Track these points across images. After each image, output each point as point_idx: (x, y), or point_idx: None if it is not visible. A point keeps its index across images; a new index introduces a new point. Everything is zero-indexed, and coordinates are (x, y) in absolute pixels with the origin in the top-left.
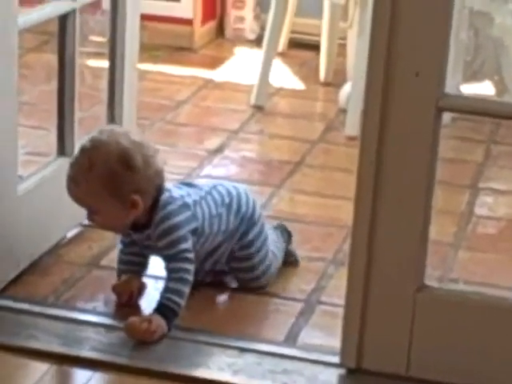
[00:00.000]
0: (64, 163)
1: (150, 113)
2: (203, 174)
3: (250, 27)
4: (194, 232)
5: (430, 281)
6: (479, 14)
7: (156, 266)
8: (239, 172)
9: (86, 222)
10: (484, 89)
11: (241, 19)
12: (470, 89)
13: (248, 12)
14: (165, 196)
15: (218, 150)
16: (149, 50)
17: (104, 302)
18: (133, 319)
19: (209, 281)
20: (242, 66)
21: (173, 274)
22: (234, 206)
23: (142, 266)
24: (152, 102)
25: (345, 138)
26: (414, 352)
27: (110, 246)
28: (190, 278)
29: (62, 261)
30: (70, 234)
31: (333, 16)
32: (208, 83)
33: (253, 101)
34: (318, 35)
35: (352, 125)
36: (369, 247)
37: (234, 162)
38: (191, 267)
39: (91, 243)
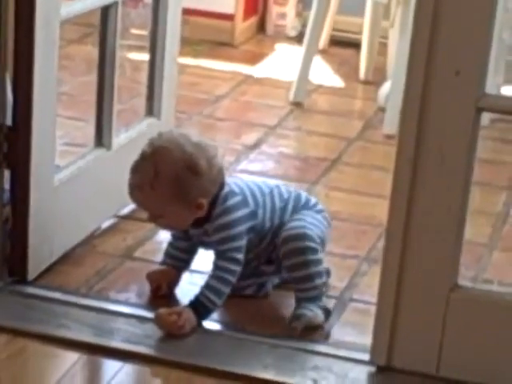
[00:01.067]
0: (101, 154)
1: (188, 107)
2: (240, 168)
3: (291, 24)
4: (251, 230)
5: (464, 281)
6: None
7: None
8: (275, 168)
9: (122, 213)
10: None
11: (282, 16)
12: (510, 91)
13: (290, 9)
14: (225, 191)
15: (256, 146)
16: (190, 44)
17: (137, 293)
18: (161, 311)
19: (250, 292)
20: (282, 63)
21: (217, 272)
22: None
23: (186, 262)
24: (191, 96)
25: (383, 136)
26: (445, 351)
27: (145, 237)
28: (233, 279)
29: (95, 251)
30: (104, 225)
31: (375, 14)
32: (248, 79)
33: (291, 97)
34: (360, 33)
35: (390, 123)
36: (403, 246)
37: (270, 158)
38: (237, 268)
39: (125, 235)
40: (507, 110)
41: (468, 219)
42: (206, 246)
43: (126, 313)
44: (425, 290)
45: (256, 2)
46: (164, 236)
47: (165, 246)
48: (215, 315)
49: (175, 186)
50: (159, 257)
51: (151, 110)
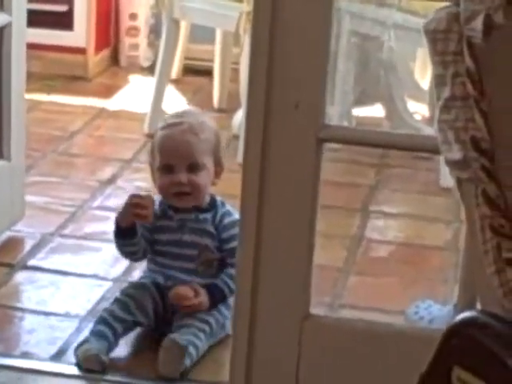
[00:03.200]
0: None
1: (42, 144)
2: (95, 205)
3: (144, 54)
4: None
5: (320, 308)
6: (369, 40)
7: None
8: None
9: None
10: (375, 111)
11: (135, 47)
12: (361, 112)
13: (142, 39)
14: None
15: (111, 181)
16: (43, 80)
17: None
18: (185, 287)
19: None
20: (137, 94)
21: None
22: None
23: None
24: (44, 133)
25: (238, 165)
26: (302, 381)
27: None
28: None
29: None
30: None
31: (224, 42)
32: (102, 112)
33: (146, 129)
34: (212, 61)
35: None
36: (254, 277)
37: (126, 193)
38: None
39: None
40: (347, 140)
41: (323, 243)
42: (193, 234)
43: None
44: (278, 321)
45: (108, 34)
46: (22, 277)
47: (21, 288)
48: None
49: (215, 136)
50: (15, 301)
51: (0, 152)
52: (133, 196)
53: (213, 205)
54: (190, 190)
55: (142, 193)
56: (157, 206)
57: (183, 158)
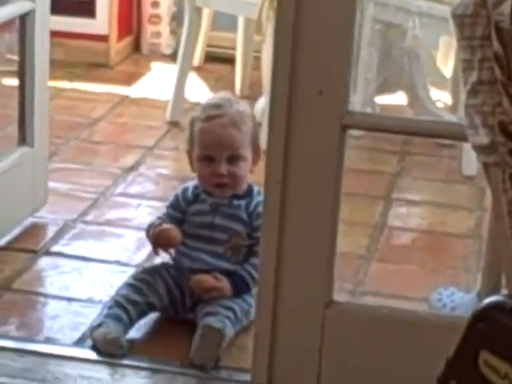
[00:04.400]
0: None
1: (64, 131)
2: (118, 192)
3: (166, 42)
4: None
5: (342, 294)
6: (393, 27)
7: None
8: (154, 189)
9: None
10: (397, 99)
11: (157, 34)
12: (384, 100)
13: (164, 27)
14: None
15: (133, 168)
16: (65, 67)
17: (17, 326)
18: (206, 275)
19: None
20: (159, 82)
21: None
22: None
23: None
24: (67, 120)
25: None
26: (325, 367)
27: (22, 268)
28: None
29: None
30: None
31: (247, 30)
32: (124, 100)
33: (168, 117)
34: (234, 49)
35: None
36: (277, 264)
37: (149, 180)
38: None
39: (3, 266)
40: (371, 126)
41: (346, 232)
42: (225, 219)
43: (6, 346)
44: (301, 307)
45: (130, 21)
46: (45, 263)
47: (44, 274)
48: None
49: (254, 124)
50: (38, 287)
51: (24, 138)
52: (153, 235)
53: (249, 193)
54: (230, 181)
55: (165, 225)
56: (190, 192)
57: (224, 150)
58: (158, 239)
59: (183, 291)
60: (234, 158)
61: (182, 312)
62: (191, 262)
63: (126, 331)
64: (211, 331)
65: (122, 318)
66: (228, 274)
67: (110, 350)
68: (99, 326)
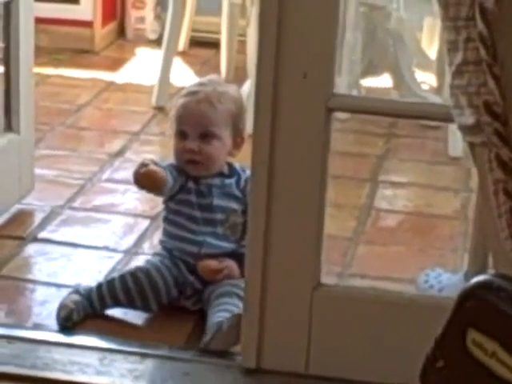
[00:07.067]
0: None
1: (50, 118)
2: (104, 177)
3: (150, 27)
4: None
5: (330, 277)
6: (377, 9)
7: None
8: None
9: None
10: (383, 82)
11: (141, 19)
12: (369, 82)
13: (148, 12)
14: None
15: (119, 153)
16: (50, 54)
17: (6, 312)
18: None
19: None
20: (144, 67)
21: None
22: None
23: None
24: (53, 107)
25: (247, 135)
26: (313, 350)
27: (10, 255)
28: None
29: None
30: None
31: (231, 14)
32: (109, 85)
33: (154, 102)
34: (219, 33)
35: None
36: (265, 247)
37: (135, 165)
38: None
39: None
40: (356, 109)
41: (333, 214)
42: (223, 198)
43: None
44: (289, 290)
45: (114, 7)
46: (32, 250)
47: (32, 260)
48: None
49: (236, 106)
50: (27, 274)
51: (10, 125)
52: (135, 173)
53: (233, 171)
54: (201, 159)
55: (152, 167)
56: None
57: (196, 126)
58: (142, 180)
59: (184, 284)
60: (206, 136)
61: (198, 301)
62: (199, 248)
63: (86, 315)
64: (234, 318)
65: (95, 307)
66: (230, 255)
67: (59, 315)
68: (74, 292)
